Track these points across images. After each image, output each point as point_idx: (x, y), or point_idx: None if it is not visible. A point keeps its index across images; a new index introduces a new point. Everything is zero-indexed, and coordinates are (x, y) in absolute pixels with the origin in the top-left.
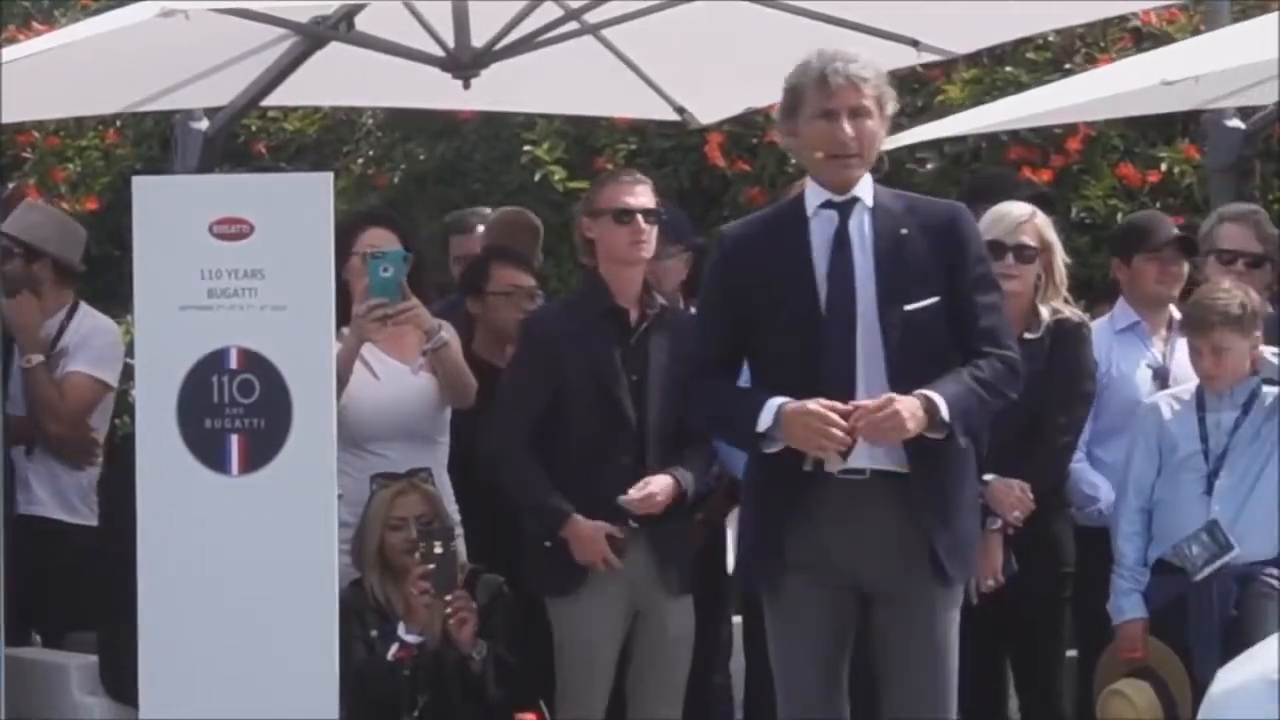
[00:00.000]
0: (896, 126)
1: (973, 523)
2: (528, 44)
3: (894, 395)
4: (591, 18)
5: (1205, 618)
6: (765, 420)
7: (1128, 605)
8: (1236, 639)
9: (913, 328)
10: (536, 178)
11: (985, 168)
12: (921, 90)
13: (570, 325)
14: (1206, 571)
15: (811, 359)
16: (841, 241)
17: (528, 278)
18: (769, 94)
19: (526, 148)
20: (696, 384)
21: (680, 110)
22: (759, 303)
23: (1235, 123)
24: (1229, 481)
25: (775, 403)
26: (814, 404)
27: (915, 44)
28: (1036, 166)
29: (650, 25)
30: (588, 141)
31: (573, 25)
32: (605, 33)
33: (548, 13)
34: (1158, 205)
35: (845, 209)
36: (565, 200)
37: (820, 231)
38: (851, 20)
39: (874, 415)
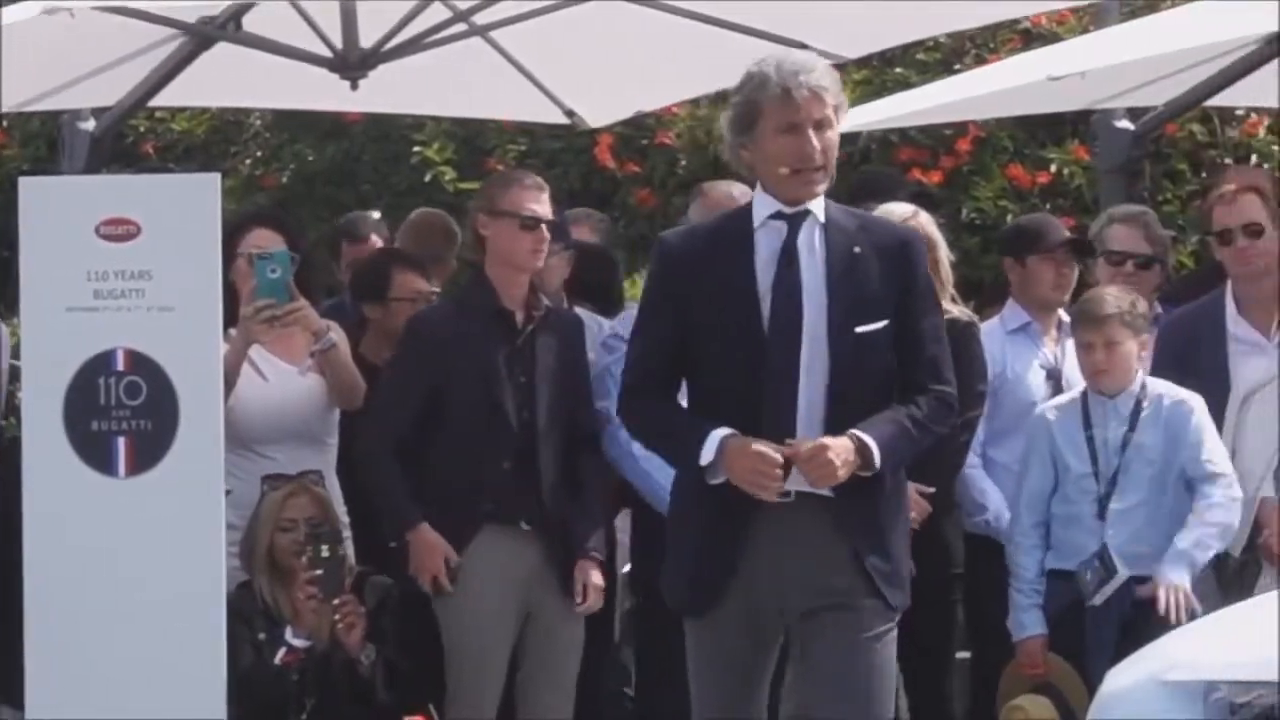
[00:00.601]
0: None
1: (903, 546)
2: (416, 45)
3: (826, 442)
4: (480, 19)
5: (1101, 624)
6: (708, 453)
7: (1028, 621)
8: (1130, 640)
9: (862, 351)
10: (426, 179)
11: (874, 169)
12: None
13: (455, 326)
14: (1099, 599)
15: (751, 377)
16: (789, 255)
17: (428, 284)
18: (658, 97)
19: (416, 149)
20: (635, 400)
21: (570, 113)
22: (699, 315)
23: (1125, 123)
24: (1121, 506)
25: (717, 436)
26: (757, 445)
27: (803, 48)
28: (926, 168)
29: (539, 27)
30: (477, 142)
31: (461, 27)
32: (494, 35)
33: (436, 14)
34: (1047, 206)
35: (795, 221)
36: (456, 201)
37: (766, 244)
38: (740, 23)
39: (806, 461)
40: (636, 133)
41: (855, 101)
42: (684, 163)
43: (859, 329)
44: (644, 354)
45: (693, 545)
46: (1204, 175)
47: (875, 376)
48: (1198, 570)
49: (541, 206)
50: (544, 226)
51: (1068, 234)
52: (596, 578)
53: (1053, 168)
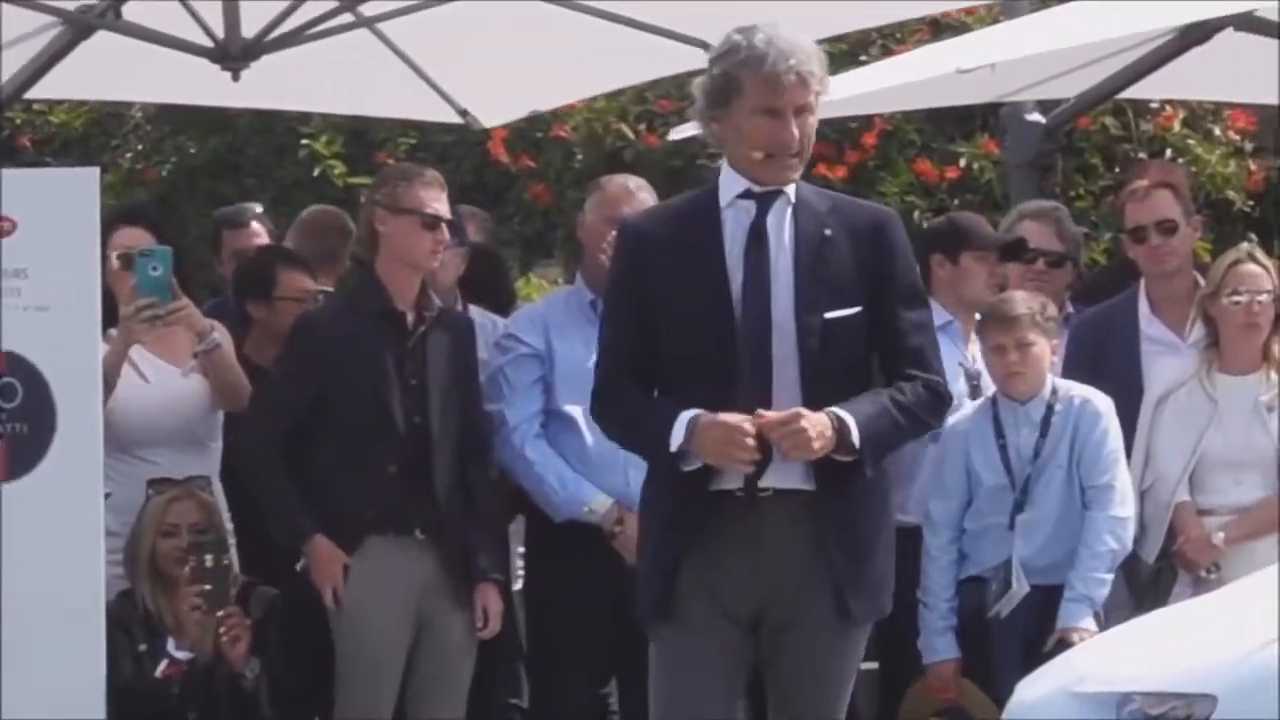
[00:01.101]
0: (682, 119)
1: (887, 557)
2: (300, 36)
3: (801, 411)
4: (368, 10)
5: (1007, 635)
6: (677, 437)
7: (940, 645)
8: (1039, 650)
9: (831, 338)
10: (314, 173)
11: None
12: None
13: (344, 326)
14: (1004, 611)
15: (723, 364)
16: (758, 236)
17: (314, 282)
18: (554, 96)
19: (303, 142)
20: (607, 396)
21: (463, 112)
22: (665, 301)
23: (1035, 117)
24: (1031, 516)
25: (686, 417)
26: (725, 416)
27: (706, 46)
28: (832, 162)
29: (432, 22)
30: (367, 136)
31: (348, 17)
32: (386, 30)
33: (322, 4)
34: (956, 202)
35: (765, 201)
36: (345, 196)
37: (735, 224)
38: (643, 21)
39: (777, 430)
40: (531, 126)
41: None
42: (580, 157)
43: (828, 315)
44: (613, 346)
45: (663, 549)
46: (1117, 170)
47: (848, 367)
48: (1100, 604)
49: (442, 205)
50: (444, 226)
51: (993, 233)
52: (496, 602)
53: (962, 162)
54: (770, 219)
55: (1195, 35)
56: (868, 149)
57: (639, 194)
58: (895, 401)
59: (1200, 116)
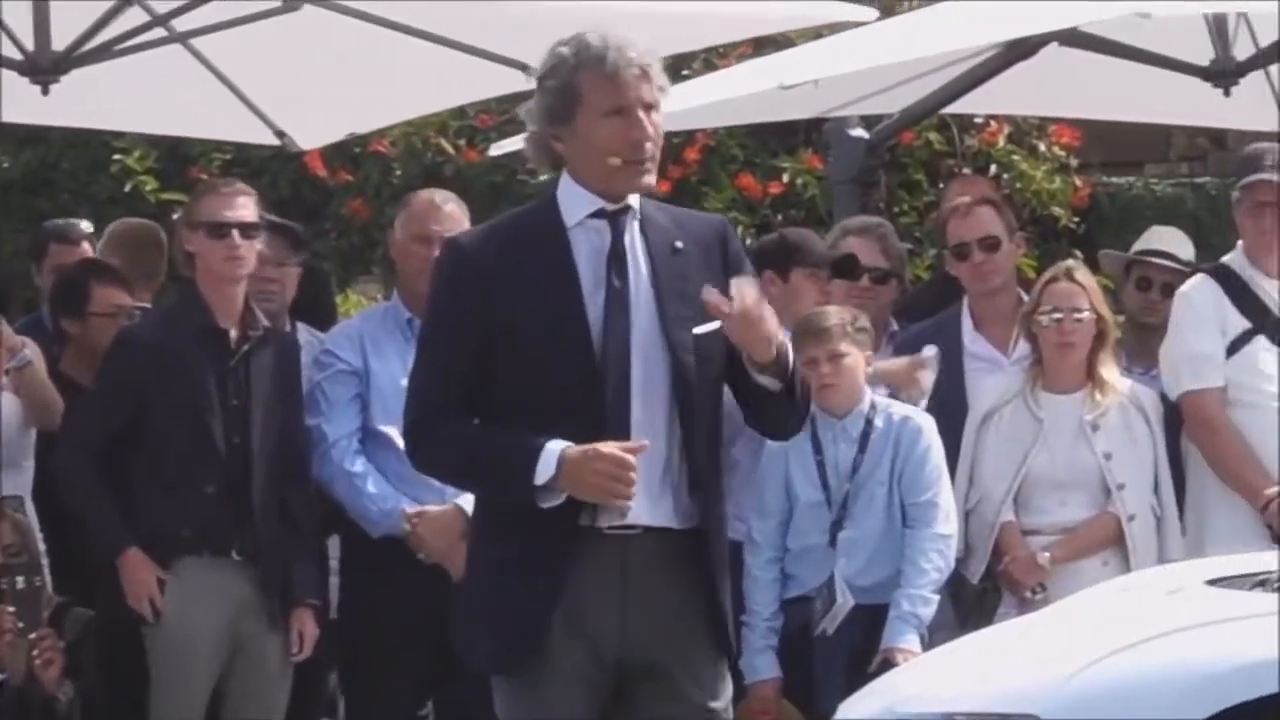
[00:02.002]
0: (506, 136)
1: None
2: (112, 50)
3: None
4: (181, 25)
5: (830, 653)
6: (545, 470)
7: (761, 665)
8: (862, 669)
9: (702, 354)
10: (127, 188)
11: None
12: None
13: (164, 343)
14: (829, 628)
15: (583, 394)
16: (619, 257)
17: (130, 297)
18: (373, 118)
19: (116, 156)
20: (432, 429)
21: (280, 134)
22: (510, 330)
23: (859, 132)
24: (853, 534)
25: (555, 449)
26: (605, 447)
27: (525, 68)
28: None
29: (249, 41)
30: (181, 150)
31: (160, 32)
32: (201, 48)
33: (135, 17)
34: (780, 218)
35: (618, 220)
36: (159, 212)
37: (586, 245)
38: (463, 42)
39: (750, 308)
40: (349, 140)
41: None
42: (399, 172)
43: (697, 331)
44: (437, 377)
45: (516, 592)
46: (941, 186)
47: (715, 385)
48: (926, 623)
49: (236, 211)
50: (236, 232)
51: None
52: (311, 628)
53: (785, 178)
54: (625, 238)
55: (1020, 50)
56: (690, 164)
57: (445, 207)
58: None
59: (1025, 132)
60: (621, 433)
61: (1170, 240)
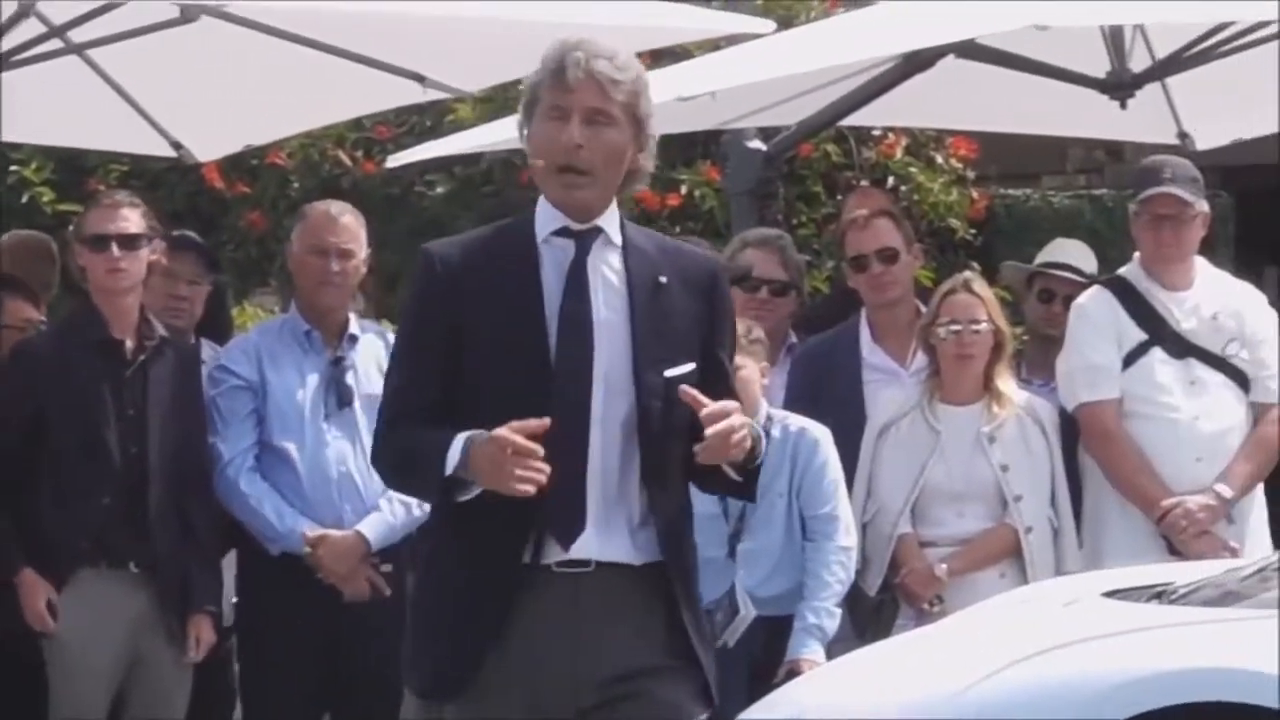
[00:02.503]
0: (403, 147)
1: (704, 624)
2: (7, 62)
3: (732, 405)
4: (77, 36)
5: (731, 665)
6: (453, 458)
7: None
8: (764, 681)
9: (673, 399)
10: (24, 199)
11: (498, 191)
12: (430, 110)
13: (58, 354)
14: (731, 640)
15: (533, 415)
16: (576, 279)
17: (38, 311)
18: (270, 130)
19: (13, 168)
20: (386, 439)
21: (177, 145)
22: (476, 341)
23: (756, 144)
24: (753, 545)
25: (463, 437)
26: (501, 431)
27: (421, 79)
28: None
29: (146, 52)
30: (78, 162)
31: (56, 44)
32: (98, 59)
33: (31, 28)
34: (678, 230)
35: (584, 241)
36: (56, 224)
37: (551, 263)
38: (357, 53)
39: (720, 426)
40: (246, 152)
41: (477, 120)
42: (296, 184)
43: (669, 372)
44: (406, 386)
45: (452, 618)
46: (839, 198)
47: (682, 431)
48: (830, 634)
49: (117, 224)
50: (115, 244)
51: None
52: (208, 633)
53: (683, 190)
54: (591, 260)
55: (917, 62)
56: None
57: (342, 219)
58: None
59: (923, 144)
60: (578, 461)
61: (1073, 253)
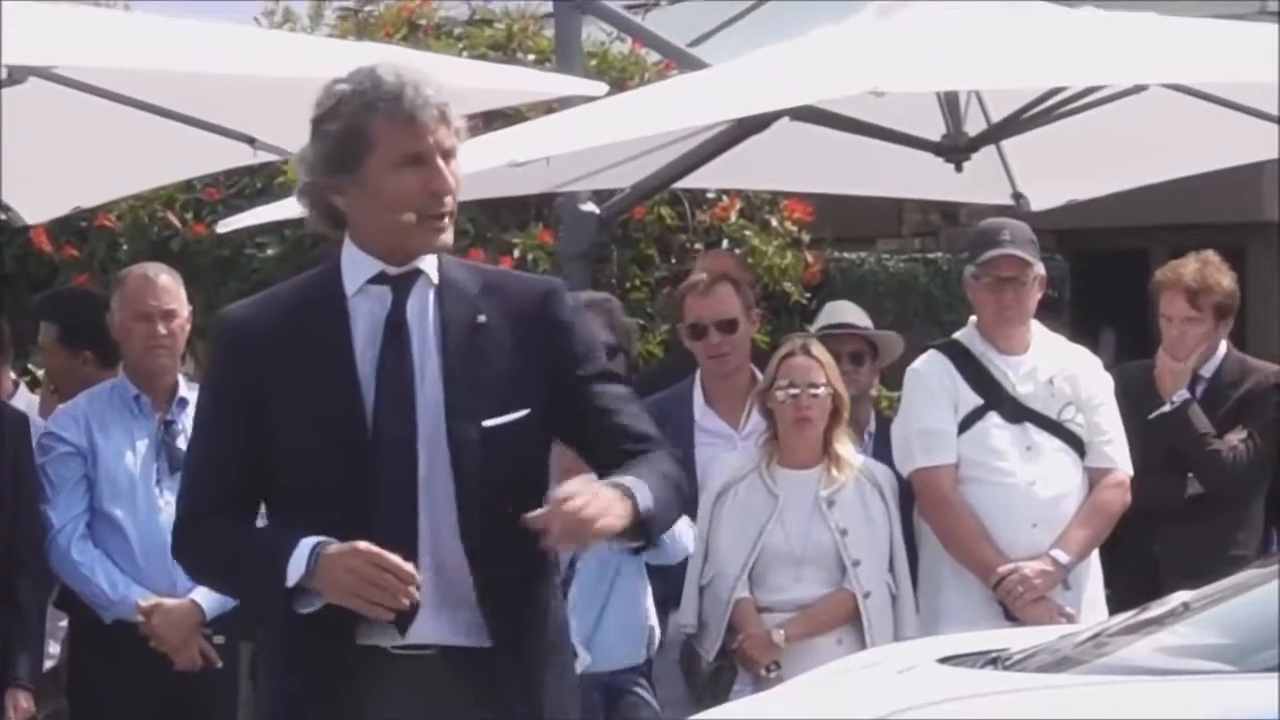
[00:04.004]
0: (231, 210)
1: (572, 697)
2: None
3: (570, 487)
4: None
5: None
6: (296, 568)
7: None
8: None
9: (493, 451)
10: None
11: (327, 253)
12: (260, 171)
13: None
14: None
15: (356, 494)
16: (396, 330)
17: None
18: (101, 192)
19: None
20: (190, 534)
21: (5, 209)
22: (281, 411)
23: (589, 207)
24: (581, 590)
25: (308, 544)
26: (366, 545)
27: (251, 141)
28: None
29: None
30: None
31: None
32: None
33: None
34: None
35: (402, 285)
36: None
37: (366, 315)
38: (188, 114)
39: (572, 507)
40: (75, 214)
41: None
42: (125, 246)
43: (487, 423)
44: (203, 473)
45: (292, 700)
46: (673, 261)
47: (518, 485)
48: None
49: None
50: None
51: None
52: (26, 702)
53: (516, 253)
54: (411, 306)
55: (752, 124)
56: None
57: (160, 280)
58: (660, 470)
59: (757, 206)
60: (406, 541)
61: (847, 312)
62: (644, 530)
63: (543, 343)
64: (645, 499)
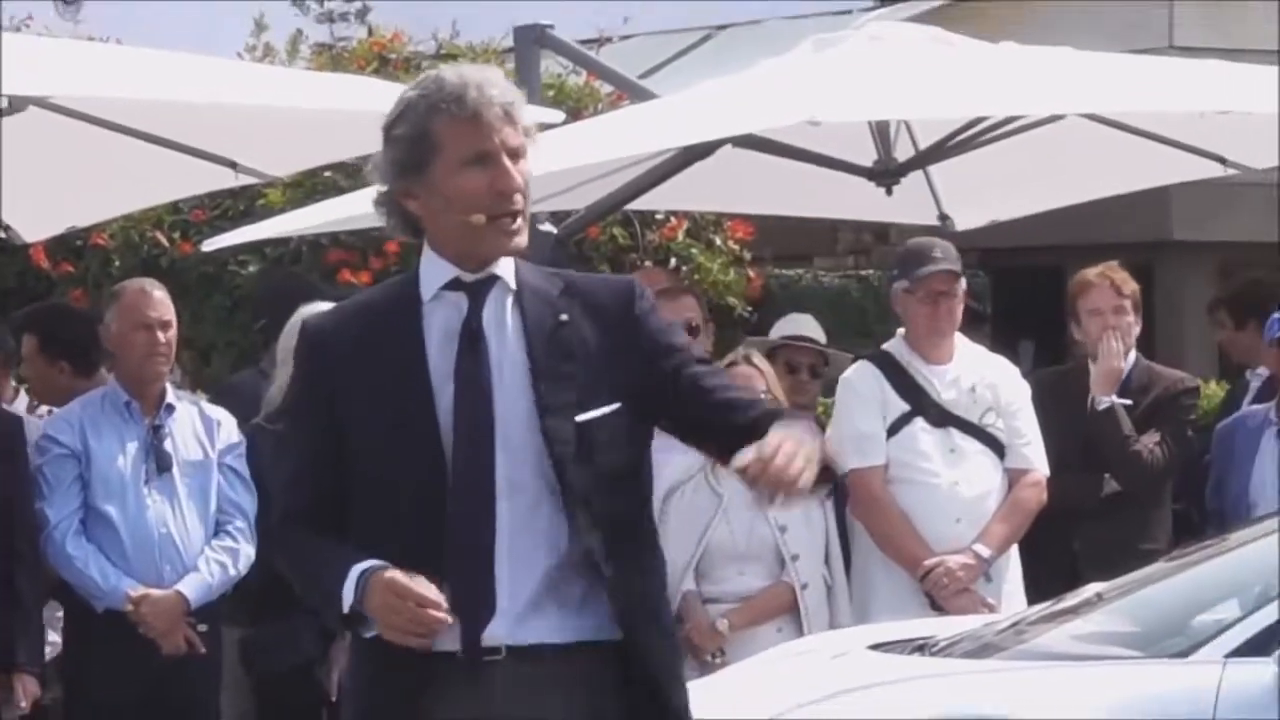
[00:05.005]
0: (215, 230)
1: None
2: None
3: (774, 441)
4: None
5: None
6: (348, 595)
7: None
8: None
9: (589, 445)
10: None
11: (306, 270)
12: (242, 194)
13: None
14: None
15: (430, 498)
16: (473, 338)
17: None
18: (95, 213)
19: None
20: (281, 541)
21: (5, 228)
22: (358, 417)
23: (548, 227)
24: None
25: (357, 570)
26: (391, 574)
27: (234, 166)
28: (356, 268)
29: None
30: None
31: None
32: None
33: None
34: None
35: (478, 291)
36: None
37: (440, 321)
38: (174, 140)
39: (782, 459)
40: (70, 233)
41: (286, 204)
42: (118, 263)
43: (580, 417)
44: (296, 474)
45: (368, 706)
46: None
47: (616, 477)
48: None
49: None
50: None
51: None
52: (33, 687)
53: None
54: (488, 313)
55: (697, 151)
56: (390, 256)
57: (155, 294)
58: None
59: (703, 227)
60: (480, 543)
61: (806, 326)
62: (829, 472)
63: (628, 337)
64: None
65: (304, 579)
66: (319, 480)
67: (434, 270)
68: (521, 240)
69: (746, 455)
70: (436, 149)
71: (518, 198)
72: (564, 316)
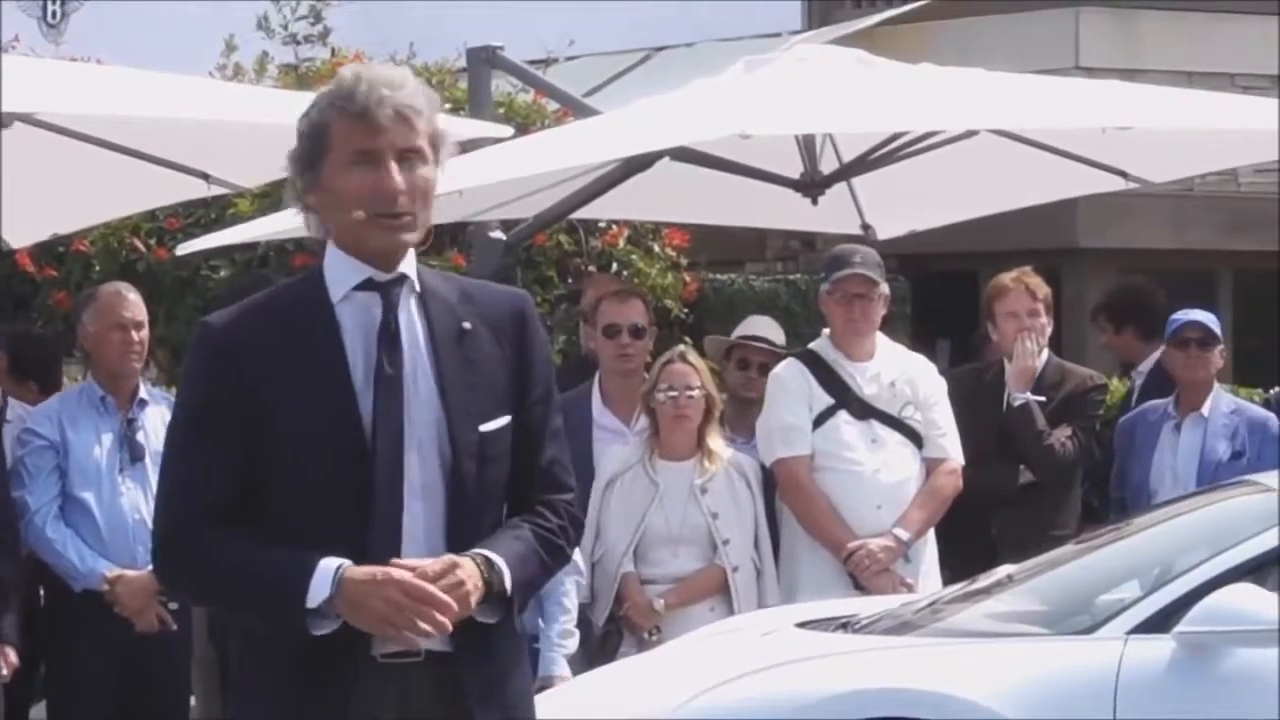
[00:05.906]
0: (189, 236)
1: (530, 704)
2: None
3: (456, 558)
4: None
5: None
6: (319, 592)
7: None
8: None
9: (486, 457)
10: None
11: (273, 273)
12: (214, 204)
13: None
14: None
15: (351, 497)
16: (391, 338)
17: None
18: (76, 221)
19: None
20: (180, 546)
21: None
22: (271, 420)
23: (497, 234)
24: None
25: (330, 566)
26: (399, 572)
27: (206, 177)
28: None
29: None
30: None
31: None
32: None
33: None
34: None
35: (390, 291)
36: None
37: (353, 322)
38: (151, 154)
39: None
40: (54, 240)
41: (255, 213)
42: (98, 267)
43: (483, 428)
44: (185, 482)
45: (280, 709)
46: (570, 281)
47: (494, 493)
48: (572, 652)
49: None
50: None
51: None
52: (13, 658)
53: None
54: (401, 313)
55: (637, 163)
56: None
57: (130, 296)
58: (539, 536)
59: (642, 234)
60: (390, 545)
61: (764, 328)
62: (504, 606)
63: (518, 355)
64: (507, 578)
65: (233, 577)
66: (224, 483)
67: (342, 269)
68: (409, 237)
69: (422, 561)
70: (328, 146)
71: (401, 199)
72: (466, 325)
